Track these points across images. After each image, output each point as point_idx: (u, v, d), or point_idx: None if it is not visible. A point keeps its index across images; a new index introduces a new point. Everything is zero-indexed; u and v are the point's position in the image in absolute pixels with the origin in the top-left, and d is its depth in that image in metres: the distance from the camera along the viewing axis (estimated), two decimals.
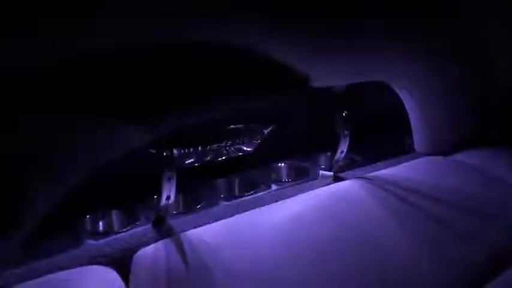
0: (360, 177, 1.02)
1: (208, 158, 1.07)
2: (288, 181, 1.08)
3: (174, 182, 0.84)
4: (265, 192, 1.02)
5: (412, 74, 1.06)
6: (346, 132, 1.00)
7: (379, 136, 1.21)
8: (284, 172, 1.12)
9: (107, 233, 0.90)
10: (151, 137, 0.87)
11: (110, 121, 0.80)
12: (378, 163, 1.11)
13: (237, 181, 1.07)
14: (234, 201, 0.98)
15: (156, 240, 0.84)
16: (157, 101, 0.83)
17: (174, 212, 0.96)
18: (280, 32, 0.86)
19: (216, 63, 0.87)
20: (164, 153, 0.83)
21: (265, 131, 1.10)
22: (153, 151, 0.86)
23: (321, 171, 1.04)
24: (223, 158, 1.08)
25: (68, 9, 0.65)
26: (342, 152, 1.02)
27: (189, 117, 0.92)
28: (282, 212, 0.92)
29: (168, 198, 0.85)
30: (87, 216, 0.94)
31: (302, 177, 1.06)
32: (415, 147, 1.18)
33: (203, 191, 1.03)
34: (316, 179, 1.04)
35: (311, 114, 1.14)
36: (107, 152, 0.84)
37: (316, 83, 0.96)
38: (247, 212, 0.92)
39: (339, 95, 1.03)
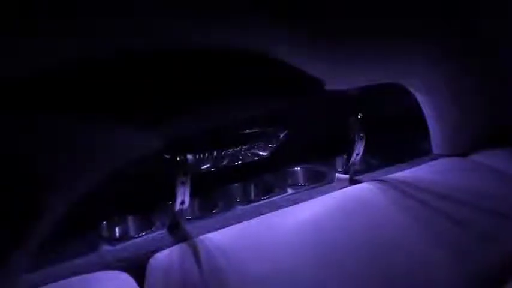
0: (377, 180, 1.00)
1: (224, 162, 1.07)
2: (304, 185, 1.07)
3: (188, 187, 0.83)
4: (281, 196, 1.01)
5: (429, 75, 1.05)
6: (361, 134, 0.99)
7: (396, 138, 1.19)
8: (300, 176, 1.12)
9: (122, 238, 0.90)
10: (166, 141, 0.87)
11: (123, 125, 0.80)
12: (395, 165, 1.10)
13: (252, 185, 1.07)
14: (249, 205, 0.98)
15: (171, 245, 0.84)
16: (170, 105, 0.83)
17: (190, 217, 0.95)
18: (295, 34, 0.86)
19: (230, 67, 0.87)
20: (178, 158, 0.82)
21: (281, 135, 1.09)
22: (168, 156, 0.86)
23: (336, 174, 1.03)
24: (239, 162, 1.08)
25: (77, 9, 0.66)
26: (357, 155, 1.01)
27: (202, 121, 0.92)
28: (298, 215, 0.91)
29: (182, 203, 0.85)
30: (104, 222, 0.94)
31: (318, 181, 1.06)
32: (433, 148, 1.16)
33: (219, 195, 1.02)
34: (332, 182, 1.03)
35: (327, 117, 1.13)
36: (123, 157, 0.84)
37: (332, 86, 0.95)
38: (263, 216, 0.92)
39: (353, 97, 1.03)
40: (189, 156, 0.87)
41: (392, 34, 0.93)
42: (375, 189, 0.97)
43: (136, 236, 0.90)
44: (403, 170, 1.07)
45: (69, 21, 0.65)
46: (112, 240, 0.90)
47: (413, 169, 1.06)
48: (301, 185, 1.08)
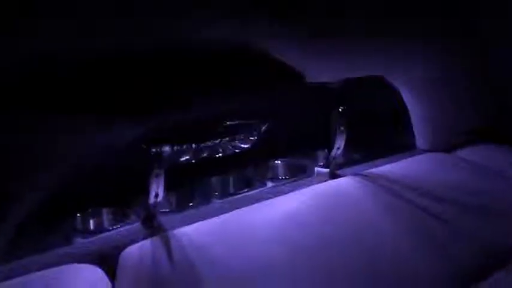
0: (358, 174, 0.99)
1: (204, 154, 1.05)
2: (284, 178, 1.06)
3: (162, 180, 0.82)
4: (260, 189, 1.00)
5: (412, 71, 1.03)
6: (342, 128, 0.97)
7: (380, 132, 1.18)
8: (280, 169, 1.10)
9: (96, 231, 0.88)
10: (142, 133, 0.85)
11: (99, 117, 0.78)
12: (377, 160, 1.08)
13: (232, 178, 1.05)
14: (228, 198, 0.96)
15: (144, 238, 0.83)
16: (145, 97, 0.81)
17: (167, 210, 0.93)
18: (275, 27, 0.84)
19: (207, 59, 0.85)
20: (153, 150, 0.81)
21: (262, 128, 1.07)
22: (143, 148, 0.84)
23: (316, 168, 1.02)
24: (220, 155, 1.06)
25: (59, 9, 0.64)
26: (338, 149, 0.99)
27: (181, 113, 0.91)
28: (276, 210, 0.90)
29: (156, 195, 0.83)
30: (78, 214, 0.93)
31: (298, 175, 1.04)
32: (417, 143, 1.15)
33: (197, 188, 1.01)
34: (312, 176, 1.02)
35: (309, 110, 1.12)
36: (96, 147, 0.83)
37: (312, 79, 0.93)
38: (241, 210, 0.90)
39: (335, 90, 1.01)
40: (166, 148, 0.86)
41: (375, 30, 0.92)
42: (356, 184, 0.96)
43: (111, 228, 0.88)
44: (386, 164, 1.05)
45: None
46: (86, 232, 0.88)
47: (396, 163, 1.04)
48: (281, 178, 1.06)
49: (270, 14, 0.80)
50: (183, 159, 1.03)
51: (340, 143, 0.99)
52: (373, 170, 1.02)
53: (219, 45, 0.84)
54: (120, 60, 0.76)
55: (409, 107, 1.11)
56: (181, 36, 0.81)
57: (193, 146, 1.03)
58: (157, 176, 0.81)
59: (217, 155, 1.07)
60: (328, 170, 1.00)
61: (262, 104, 1.08)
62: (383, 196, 0.94)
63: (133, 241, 0.82)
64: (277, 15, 0.81)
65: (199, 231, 0.84)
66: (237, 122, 1.08)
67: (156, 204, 0.84)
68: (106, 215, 0.94)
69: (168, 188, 0.97)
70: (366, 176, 0.99)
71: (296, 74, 0.90)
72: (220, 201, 0.96)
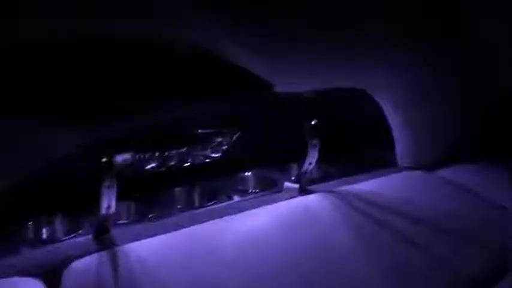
0: (330, 192, 0.94)
1: (172, 163, 1.00)
2: (252, 192, 1.00)
3: (114, 191, 0.77)
4: (226, 203, 0.94)
5: (393, 83, 0.98)
6: (314, 142, 0.92)
7: (358, 146, 1.12)
8: (249, 182, 1.05)
9: (47, 241, 0.84)
10: (92, 140, 0.81)
11: (49, 123, 0.74)
12: (353, 176, 1.03)
13: (197, 190, 1.00)
14: (190, 212, 0.91)
15: (92, 252, 0.78)
16: (97, 102, 0.77)
17: (124, 221, 0.89)
18: (240, 30, 0.79)
19: (166, 62, 0.81)
20: (104, 160, 0.76)
21: (234, 137, 1.02)
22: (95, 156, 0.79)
23: (285, 183, 0.96)
24: (188, 164, 1.01)
25: None
26: (310, 164, 0.94)
27: (139, 120, 0.86)
28: (238, 227, 0.85)
29: (108, 207, 0.78)
30: (28, 223, 0.88)
31: (268, 188, 0.99)
32: (398, 160, 1.09)
33: (159, 199, 0.96)
34: (281, 191, 0.96)
35: (283, 121, 1.06)
36: (48, 156, 0.78)
37: (281, 88, 0.88)
38: (201, 225, 0.85)
39: (310, 101, 0.96)
40: (119, 158, 0.82)
41: (352, 40, 0.87)
42: (326, 202, 0.91)
43: (61, 239, 0.83)
44: (362, 181, 1.00)
45: None
46: (35, 242, 0.84)
47: (372, 181, 0.99)
48: (249, 192, 1.01)
49: (232, 15, 0.76)
50: (148, 167, 0.99)
51: (312, 158, 0.93)
52: (348, 187, 0.97)
53: (181, 47, 0.79)
54: (62, 58, 0.72)
55: (390, 121, 1.05)
56: (140, 34, 0.77)
57: (158, 154, 0.99)
58: (108, 187, 0.76)
59: (185, 164, 1.02)
60: (297, 185, 0.95)
61: (235, 112, 1.03)
62: (354, 217, 0.89)
63: (82, 254, 0.77)
64: (239, 17, 0.76)
65: (150, 247, 0.79)
66: (209, 130, 1.03)
67: (108, 216, 0.79)
68: (58, 225, 0.89)
69: (128, 198, 0.93)
70: (338, 193, 0.94)
71: (264, 82, 0.85)
72: (182, 214, 0.91)
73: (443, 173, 1.05)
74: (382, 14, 0.86)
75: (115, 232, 0.83)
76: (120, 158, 0.90)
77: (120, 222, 0.89)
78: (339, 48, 0.87)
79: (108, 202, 0.78)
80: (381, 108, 1.03)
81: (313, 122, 0.91)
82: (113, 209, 0.79)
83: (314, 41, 0.82)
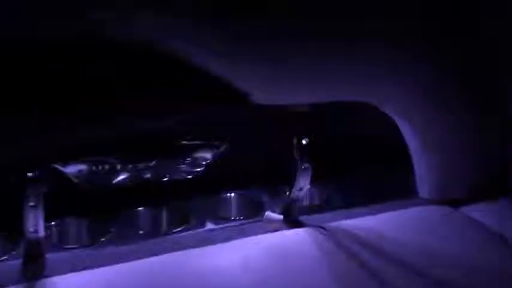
0: (319, 226, 0.77)
1: (146, 176, 0.86)
2: (230, 219, 0.85)
3: (40, 212, 0.64)
4: (195, 231, 0.80)
5: (404, 97, 0.81)
6: (306, 165, 0.76)
7: (369, 173, 0.95)
8: (227, 206, 0.88)
9: None
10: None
11: None
12: (357, 208, 0.85)
13: (168, 211, 0.85)
14: (152, 239, 0.77)
15: (18, 282, 0.65)
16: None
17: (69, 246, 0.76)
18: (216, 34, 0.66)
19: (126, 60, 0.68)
20: (28, 175, 0.63)
21: (220, 149, 0.87)
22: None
23: (266, 213, 0.80)
24: (165, 179, 0.87)
25: None
26: (300, 189, 0.77)
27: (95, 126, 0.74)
28: (198, 263, 0.70)
29: (35, 231, 0.65)
30: None
31: (251, 214, 0.83)
32: (418, 191, 0.91)
33: (120, 220, 0.82)
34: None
35: (275, 138, 0.89)
36: None
37: (273, 100, 0.74)
38: (160, 257, 0.71)
39: (299, 116, 0.80)
40: (72, 169, 0.70)
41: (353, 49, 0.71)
42: (313, 240, 0.75)
43: None
44: (368, 215, 0.83)
45: None
46: None
47: (375, 217, 0.81)
48: (227, 218, 0.84)
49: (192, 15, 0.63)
50: (115, 181, 0.85)
51: (303, 183, 0.77)
52: (347, 222, 0.80)
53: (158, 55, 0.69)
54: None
55: (408, 142, 0.87)
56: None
57: (130, 166, 0.85)
58: (33, 207, 0.63)
59: (162, 179, 0.88)
60: (280, 216, 0.79)
61: (223, 125, 0.88)
62: (346, 262, 0.72)
63: (5, 284, 0.65)
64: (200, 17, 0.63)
65: (89, 282, 0.65)
66: (193, 142, 0.89)
67: (37, 240, 0.66)
68: None
69: (80, 217, 0.81)
70: (333, 229, 0.77)
71: (240, 92, 0.70)
72: (142, 241, 0.77)
73: (469, 210, 0.86)
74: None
75: (52, 258, 0.70)
76: (72, 169, 0.77)
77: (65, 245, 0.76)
78: (337, 55, 0.71)
79: (34, 226, 0.65)
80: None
81: (304, 141, 0.75)
82: (41, 234, 0.66)
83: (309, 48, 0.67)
